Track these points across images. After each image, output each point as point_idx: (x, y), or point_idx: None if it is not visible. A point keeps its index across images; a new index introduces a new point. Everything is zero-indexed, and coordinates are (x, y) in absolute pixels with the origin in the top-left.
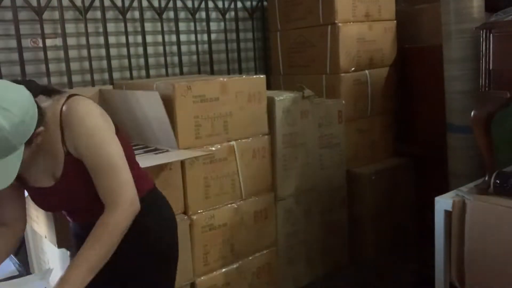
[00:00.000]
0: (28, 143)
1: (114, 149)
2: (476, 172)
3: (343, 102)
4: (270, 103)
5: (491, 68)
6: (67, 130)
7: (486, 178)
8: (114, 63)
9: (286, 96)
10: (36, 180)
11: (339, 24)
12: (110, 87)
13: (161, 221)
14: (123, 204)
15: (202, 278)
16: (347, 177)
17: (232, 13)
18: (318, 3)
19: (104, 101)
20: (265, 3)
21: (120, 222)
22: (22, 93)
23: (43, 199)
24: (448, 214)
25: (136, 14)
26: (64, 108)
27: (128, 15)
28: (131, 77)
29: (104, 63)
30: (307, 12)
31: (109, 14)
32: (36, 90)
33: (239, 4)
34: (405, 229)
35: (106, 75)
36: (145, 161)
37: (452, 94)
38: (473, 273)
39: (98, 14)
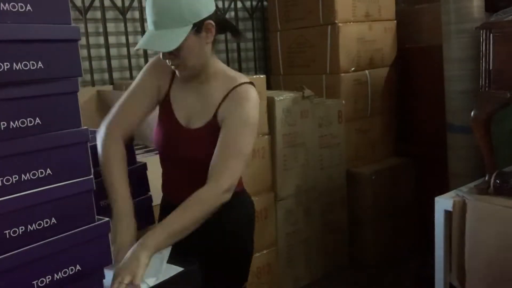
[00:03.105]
0: (197, 30)
1: (250, 143)
2: (476, 172)
3: (343, 102)
4: (270, 103)
5: (491, 68)
6: (229, 104)
7: (486, 178)
8: (114, 63)
9: (286, 96)
10: (183, 116)
11: (339, 24)
12: (110, 87)
13: (246, 220)
14: (222, 186)
15: None
16: (347, 177)
17: (232, 13)
18: (318, 3)
19: (103, 101)
20: (265, 3)
21: (213, 202)
22: None
23: (169, 136)
24: (448, 214)
25: (136, 14)
26: (239, 88)
27: (128, 15)
28: (131, 77)
29: (104, 63)
30: (307, 12)
31: (109, 14)
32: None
33: (239, 4)
34: (405, 229)
35: (106, 75)
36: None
37: (452, 94)
38: (473, 273)
39: (98, 14)
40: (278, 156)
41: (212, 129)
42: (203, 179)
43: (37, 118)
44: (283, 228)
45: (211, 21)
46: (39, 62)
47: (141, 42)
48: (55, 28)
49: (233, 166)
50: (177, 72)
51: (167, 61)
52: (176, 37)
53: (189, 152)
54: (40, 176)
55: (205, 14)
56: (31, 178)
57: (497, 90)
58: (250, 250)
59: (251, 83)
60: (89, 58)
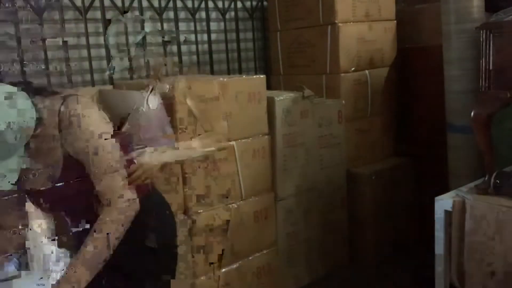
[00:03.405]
0: (27, 145)
1: (112, 152)
2: (476, 172)
3: (343, 102)
4: (270, 103)
5: (491, 68)
6: (65, 132)
7: (486, 178)
8: (114, 63)
9: (286, 96)
10: (33, 183)
11: (339, 24)
12: (110, 87)
13: (161, 220)
14: (121, 203)
15: (202, 278)
16: (347, 177)
17: (232, 13)
18: (318, 3)
19: (103, 101)
20: (265, 3)
21: (118, 221)
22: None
23: (42, 201)
24: (448, 214)
25: (136, 14)
26: (62, 108)
27: (128, 15)
28: (131, 77)
29: (104, 63)
30: (307, 12)
31: (109, 14)
32: (33, 91)
33: (239, 4)
34: (405, 229)
35: (106, 75)
36: None
37: (452, 94)
38: (473, 273)
39: (98, 14)
40: (278, 156)
41: (74, 165)
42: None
43: None
44: (283, 228)
45: (37, 130)
46: None
47: None
48: None
49: (115, 183)
50: None
51: None
52: (13, 169)
53: (71, 203)
54: None
55: (30, 133)
56: None
57: (497, 90)
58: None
59: (69, 95)
60: (89, 58)
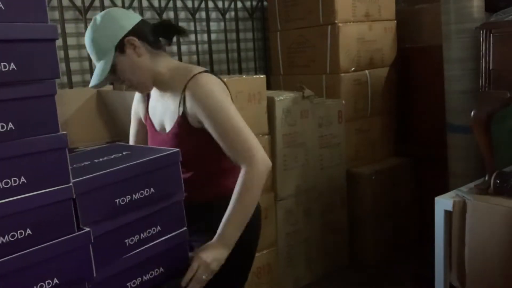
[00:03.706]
0: (121, 51)
1: (239, 118)
2: (476, 172)
3: (343, 102)
4: (270, 103)
5: (491, 68)
6: (192, 99)
7: (486, 178)
8: None
9: (286, 96)
10: (158, 123)
11: (339, 24)
12: (110, 87)
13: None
14: (257, 161)
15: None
16: (347, 177)
17: (232, 13)
18: (318, 3)
19: (103, 102)
20: (265, 3)
21: (257, 179)
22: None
23: (153, 145)
24: (448, 214)
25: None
26: (192, 80)
27: None
28: None
29: None
30: (307, 12)
31: None
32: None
33: (239, 4)
34: (405, 229)
35: None
36: None
37: (452, 94)
38: (473, 273)
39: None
40: (278, 156)
41: (181, 127)
42: (191, 177)
43: (10, 123)
44: (283, 228)
45: (131, 37)
46: (12, 64)
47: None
48: (29, 27)
49: (248, 143)
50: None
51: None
52: (103, 68)
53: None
54: (13, 184)
55: (121, 34)
56: (3, 187)
57: (497, 90)
58: (248, 248)
59: (206, 71)
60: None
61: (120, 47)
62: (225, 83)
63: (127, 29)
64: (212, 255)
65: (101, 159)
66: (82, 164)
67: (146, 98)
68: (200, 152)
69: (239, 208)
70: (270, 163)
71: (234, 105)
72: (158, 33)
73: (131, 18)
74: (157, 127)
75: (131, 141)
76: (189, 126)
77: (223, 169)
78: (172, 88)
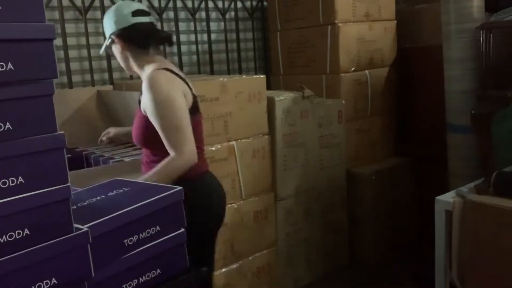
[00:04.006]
0: (111, 42)
1: (178, 114)
2: (476, 172)
3: (343, 102)
4: (270, 103)
5: (491, 68)
6: (144, 94)
7: (486, 178)
8: (114, 63)
9: (286, 96)
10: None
11: (339, 24)
12: (110, 87)
13: (208, 202)
14: (184, 153)
15: None
16: (347, 177)
17: (232, 13)
18: (318, 3)
19: (103, 101)
20: (265, 3)
21: (178, 167)
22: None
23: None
24: (448, 214)
25: None
26: (147, 76)
27: None
28: (131, 77)
29: (104, 63)
30: (307, 12)
31: None
32: (158, 39)
33: (239, 4)
34: (405, 229)
35: (106, 75)
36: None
37: (452, 94)
38: (473, 273)
39: (98, 14)
40: (278, 156)
41: (138, 115)
42: (148, 158)
43: (8, 123)
44: (283, 228)
45: (115, 37)
46: (9, 64)
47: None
48: (26, 27)
49: (178, 139)
50: None
51: None
52: (104, 44)
53: (137, 132)
54: (11, 184)
55: (110, 31)
56: (1, 187)
57: (497, 90)
58: (197, 232)
59: (165, 68)
60: (89, 58)
61: (111, 39)
62: (186, 82)
63: (115, 29)
64: None
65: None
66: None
67: None
68: (149, 137)
69: (151, 178)
70: (195, 159)
71: (183, 100)
72: (148, 37)
73: (126, 20)
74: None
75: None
76: (142, 116)
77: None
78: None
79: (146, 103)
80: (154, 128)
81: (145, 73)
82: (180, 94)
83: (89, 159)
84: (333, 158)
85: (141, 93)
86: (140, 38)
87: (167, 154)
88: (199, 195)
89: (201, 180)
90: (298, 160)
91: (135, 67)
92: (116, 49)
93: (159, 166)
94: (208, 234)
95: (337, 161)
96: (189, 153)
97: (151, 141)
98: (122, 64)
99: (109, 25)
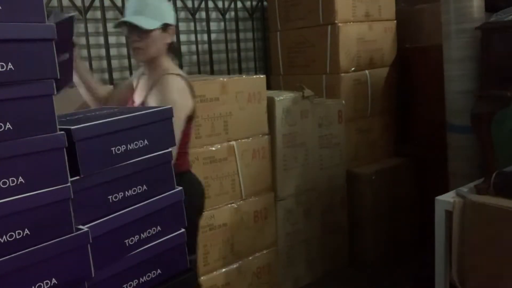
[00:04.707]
0: (163, 30)
1: (180, 123)
2: (476, 172)
3: (343, 102)
4: (270, 103)
5: (491, 68)
6: (156, 89)
7: (486, 178)
8: (114, 63)
9: (286, 96)
10: (136, 100)
11: (339, 24)
12: (110, 87)
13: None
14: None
15: (202, 278)
16: (347, 177)
17: (232, 13)
18: (318, 3)
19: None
20: (265, 3)
21: None
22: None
23: None
24: (448, 214)
25: None
26: (164, 76)
27: None
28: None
29: (104, 63)
30: (307, 12)
31: (109, 14)
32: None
33: (239, 4)
34: (405, 229)
35: (106, 75)
36: None
37: (452, 94)
38: (473, 274)
39: (98, 14)
40: (278, 156)
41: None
42: None
43: (8, 123)
44: (283, 228)
45: (172, 27)
46: (9, 64)
47: (122, 19)
48: (26, 27)
49: None
50: (133, 55)
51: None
52: (151, 23)
53: None
54: (11, 184)
55: (170, 21)
56: (1, 187)
57: (497, 90)
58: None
59: (179, 75)
60: (89, 58)
61: (164, 28)
62: (192, 89)
63: (173, 22)
64: None
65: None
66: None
67: (137, 78)
68: None
69: None
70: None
71: (186, 109)
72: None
73: (173, 19)
74: (136, 99)
75: (105, 92)
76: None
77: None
78: (157, 73)
79: (157, 97)
80: None
81: (166, 71)
82: (189, 109)
83: None
84: (333, 158)
85: (152, 87)
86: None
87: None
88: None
89: (182, 177)
90: (298, 160)
91: (155, 56)
92: (161, 38)
93: None
94: (191, 224)
95: (337, 161)
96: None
97: None
98: (154, 52)
99: (168, 14)
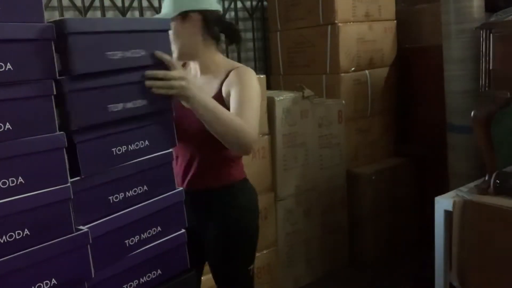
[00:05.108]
0: (183, 19)
1: (257, 104)
2: (476, 172)
3: (343, 102)
4: (270, 103)
5: (491, 68)
6: (231, 78)
7: (486, 178)
8: None
9: (286, 96)
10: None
11: (339, 24)
12: None
13: (249, 206)
14: (252, 131)
15: (202, 278)
16: (347, 177)
17: (232, 13)
18: (318, 3)
19: None
20: (265, 3)
21: (247, 134)
22: None
23: (182, 118)
24: (448, 214)
25: (136, 14)
26: (238, 68)
27: (128, 15)
28: None
29: None
30: (307, 12)
31: (109, 14)
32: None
33: (239, 4)
34: (405, 229)
35: None
36: None
37: (452, 94)
38: (473, 274)
39: (98, 14)
40: (278, 156)
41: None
42: (198, 161)
43: (7, 123)
44: (283, 228)
45: (197, 14)
46: (8, 64)
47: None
48: (25, 27)
49: (251, 120)
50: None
51: None
52: (169, 14)
53: (196, 125)
54: (11, 185)
55: (192, 7)
56: (1, 187)
57: (497, 90)
58: (253, 234)
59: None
60: None
61: (183, 17)
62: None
63: (201, 7)
64: (193, 84)
65: None
66: None
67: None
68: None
69: (226, 118)
70: (255, 146)
71: (259, 94)
72: (223, 29)
73: (209, 2)
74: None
75: None
76: (221, 102)
77: (229, 158)
78: (213, 72)
79: (235, 87)
80: None
81: (226, 67)
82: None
83: None
84: (333, 158)
85: (221, 83)
86: (225, 28)
87: (230, 155)
88: (248, 197)
89: (247, 183)
90: (298, 160)
91: (190, 51)
92: (184, 30)
93: (235, 117)
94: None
95: (337, 161)
96: (255, 134)
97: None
98: (183, 47)
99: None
